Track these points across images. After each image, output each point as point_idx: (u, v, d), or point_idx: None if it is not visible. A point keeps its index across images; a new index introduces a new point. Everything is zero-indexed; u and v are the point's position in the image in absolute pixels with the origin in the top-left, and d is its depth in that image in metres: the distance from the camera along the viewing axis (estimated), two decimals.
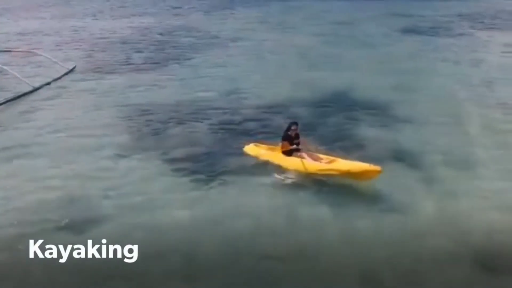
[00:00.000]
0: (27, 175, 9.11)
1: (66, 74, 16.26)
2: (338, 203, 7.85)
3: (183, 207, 7.98)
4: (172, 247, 6.84)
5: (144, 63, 17.97)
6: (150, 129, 11.50)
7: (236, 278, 6.34)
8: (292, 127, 9.17)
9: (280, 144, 9.26)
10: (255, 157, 9.50)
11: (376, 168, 7.85)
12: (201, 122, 11.95)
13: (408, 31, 23.15)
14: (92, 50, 20.20)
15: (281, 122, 11.68)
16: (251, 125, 11.72)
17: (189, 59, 18.58)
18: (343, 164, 8.31)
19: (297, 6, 31.71)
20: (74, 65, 17.12)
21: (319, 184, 8.48)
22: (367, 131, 11.03)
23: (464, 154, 9.70)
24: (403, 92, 13.87)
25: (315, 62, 17.71)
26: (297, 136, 9.23)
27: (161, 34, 23.63)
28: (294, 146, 9.10)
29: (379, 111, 12.37)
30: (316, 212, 7.67)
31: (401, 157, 9.50)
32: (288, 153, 9.15)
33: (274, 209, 7.85)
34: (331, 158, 8.67)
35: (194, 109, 12.84)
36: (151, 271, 6.39)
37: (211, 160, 9.68)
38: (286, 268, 6.50)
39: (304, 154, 8.97)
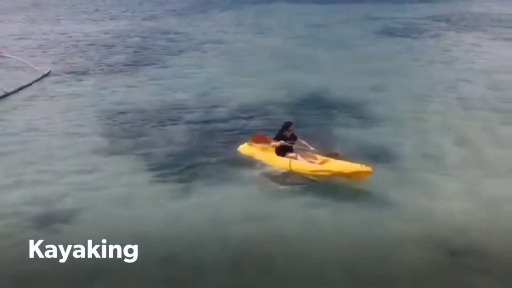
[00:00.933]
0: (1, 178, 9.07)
1: (41, 78, 16.04)
2: (323, 203, 8.01)
3: (162, 207, 8.03)
4: (153, 248, 6.86)
5: (120, 66, 17.89)
6: (128, 132, 11.48)
7: (225, 278, 6.41)
8: (289, 127, 9.16)
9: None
10: (249, 157, 9.46)
11: (367, 169, 7.91)
12: (178, 123, 11.99)
13: (382, 32, 23.62)
14: (68, 54, 19.96)
15: (257, 123, 11.94)
16: (228, 126, 11.80)
17: (165, 61, 18.59)
18: (335, 165, 8.35)
19: (272, 8, 31.97)
20: (49, 69, 16.90)
21: (307, 184, 8.58)
22: (342, 131, 11.24)
23: (434, 151, 10.01)
24: (376, 92, 14.21)
25: (291, 63, 17.90)
26: (292, 137, 9.18)
27: (136, 37, 23.53)
28: (282, 142, 8.94)
29: (353, 111, 12.63)
30: (299, 212, 7.81)
31: (375, 155, 9.64)
32: (282, 153, 9.08)
33: (254, 209, 7.94)
34: (324, 158, 8.67)
35: (170, 110, 12.86)
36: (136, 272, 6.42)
37: (188, 161, 9.72)
38: (270, 266, 6.62)
39: (297, 155, 8.93)
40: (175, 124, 11.97)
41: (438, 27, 24.86)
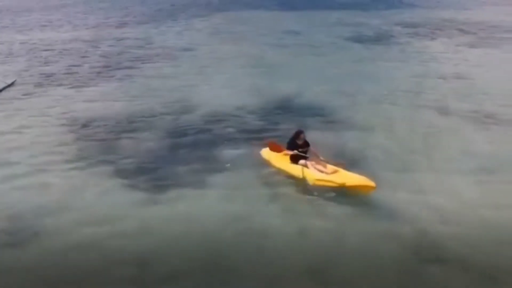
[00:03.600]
0: None
1: (4, 88, 15.50)
2: (297, 206, 8.15)
3: (133, 214, 7.95)
4: (127, 254, 6.91)
5: (87, 74, 17.52)
6: (96, 141, 11.20)
7: (197, 282, 6.41)
8: (300, 135, 9.15)
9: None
10: (267, 161, 9.62)
11: (370, 183, 7.82)
12: (148, 131, 11.79)
13: (351, 39, 23.92)
14: (34, 63, 19.50)
15: (229, 129, 11.84)
16: (201, 134, 11.65)
17: (134, 69, 18.31)
18: (341, 177, 8.29)
19: (245, 16, 32.03)
20: (14, 79, 16.36)
21: (280, 188, 8.74)
22: (315, 135, 11.17)
23: (402, 153, 10.16)
24: (346, 96, 14.32)
25: (262, 70, 17.89)
26: (305, 144, 9.18)
27: (104, 45, 23.15)
28: (296, 152, 9.00)
29: (324, 115, 12.69)
30: (270, 215, 7.87)
31: (343, 156, 9.66)
32: (295, 161, 9.11)
33: (227, 213, 7.94)
34: (335, 168, 8.64)
35: (140, 118, 12.64)
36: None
37: (159, 169, 9.64)
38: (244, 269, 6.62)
39: (308, 163, 8.91)
40: (145, 132, 11.75)
41: (405, 33, 25.34)
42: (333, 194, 8.30)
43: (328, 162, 8.84)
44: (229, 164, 9.78)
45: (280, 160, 9.36)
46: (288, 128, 11.68)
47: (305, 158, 9.03)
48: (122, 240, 7.27)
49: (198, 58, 20.26)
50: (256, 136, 11.23)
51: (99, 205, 8.29)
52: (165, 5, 37.54)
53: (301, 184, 8.83)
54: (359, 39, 23.86)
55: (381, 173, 8.81)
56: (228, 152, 10.41)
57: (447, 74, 17.02)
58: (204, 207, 8.22)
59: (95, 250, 7.05)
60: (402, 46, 22.42)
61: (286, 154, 9.21)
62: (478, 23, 27.88)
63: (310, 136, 10.96)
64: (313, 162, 8.89)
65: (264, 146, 9.87)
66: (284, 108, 13.48)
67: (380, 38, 24.09)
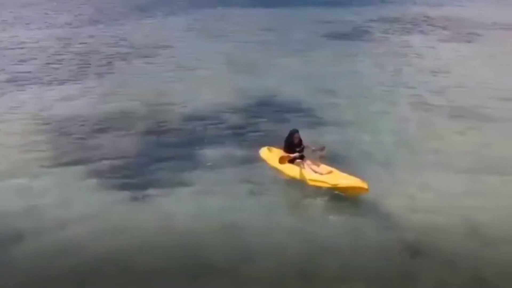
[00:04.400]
0: None
1: None
2: (279, 205, 8.13)
3: (111, 215, 7.82)
4: (103, 255, 6.77)
5: (63, 74, 16.97)
6: (72, 141, 10.93)
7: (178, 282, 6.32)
8: (295, 135, 9.05)
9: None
10: (264, 161, 9.53)
11: (363, 185, 7.76)
12: (126, 131, 11.54)
13: (331, 36, 23.97)
14: (5, 62, 18.79)
15: (209, 128, 11.66)
16: (179, 132, 11.49)
17: (111, 68, 17.86)
18: (334, 177, 8.24)
19: (220, 14, 31.78)
20: None
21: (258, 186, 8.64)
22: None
23: (382, 149, 10.22)
24: (326, 94, 14.31)
25: (242, 68, 17.74)
26: (300, 143, 9.09)
27: (79, 43, 22.48)
28: (296, 154, 8.96)
29: (305, 113, 12.63)
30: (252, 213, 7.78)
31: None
32: (290, 160, 9.05)
33: (206, 214, 7.85)
34: (329, 169, 8.58)
35: (118, 118, 12.34)
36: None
37: (138, 168, 9.50)
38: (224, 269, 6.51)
39: (303, 163, 8.85)
40: (122, 131, 11.51)
41: (382, 29, 25.59)
42: (323, 193, 8.25)
43: (325, 163, 8.76)
44: (210, 163, 9.65)
45: (276, 160, 9.26)
46: (267, 126, 11.69)
47: (301, 158, 8.96)
48: (99, 239, 7.14)
49: (174, 56, 19.92)
50: (236, 135, 11.15)
51: (76, 205, 8.13)
52: (138, 2, 36.90)
53: (291, 183, 8.77)
54: (336, 36, 23.94)
55: (363, 169, 8.82)
56: (208, 151, 10.28)
57: (424, 69, 17.26)
58: (184, 206, 8.12)
59: (72, 250, 6.90)
60: (380, 42, 22.61)
61: (285, 158, 9.06)
62: (454, 18, 28.41)
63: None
64: (308, 162, 8.83)
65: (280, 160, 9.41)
66: (263, 105, 13.37)
67: (357, 35, 24.25)
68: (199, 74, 17.08)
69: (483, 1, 35.86)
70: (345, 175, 8.25)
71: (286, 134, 9.21)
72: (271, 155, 9.47)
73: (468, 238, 7.16)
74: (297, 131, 9.17)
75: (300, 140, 9.16)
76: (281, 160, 9.03)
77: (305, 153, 9.09)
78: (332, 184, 8.07)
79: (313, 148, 9.01)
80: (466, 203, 8.04)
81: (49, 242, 7.09)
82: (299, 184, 8.69)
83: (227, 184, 8.83)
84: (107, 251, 6.86)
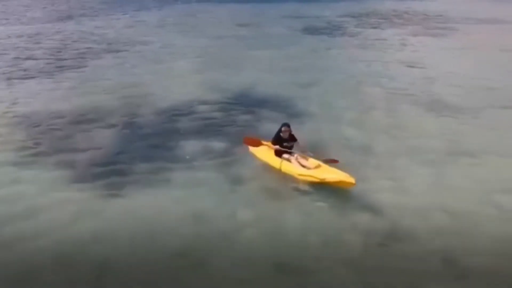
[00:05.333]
0: None
1: None
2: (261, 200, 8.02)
3: (90, 213, 7.65)
4: (83, 255, 6.64)
5: (36, 71, 16.55)
6: (47, 138, 10.65)
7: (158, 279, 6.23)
8: (283, 128, 8.94)
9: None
10: (252, 153, 9.48)
11: (350, 180, 7.78)
12: (101, 127, 11.32)
13: (306, 30, 24.18)
14: None
15: (186, 123, 11.57)
16: (156, 128, 11.35)
17: (85, 64, 17.54)
18: (322, 172, 8.24)
19: (195, 9, 31.67)
20: None
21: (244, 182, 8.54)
22: (273, 126, 11.15)
23: (361, 143, 10.25)
24: (303, 88, 14.38)
25: (218, 63, 17.69)
26: (291, 138, 9.01)
27: (52, 39, 22.04)
28: (277, 147, 8.87)
29: (281, 106, 12.68)
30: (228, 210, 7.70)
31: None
32: (278, 154, 8.97)
33: (185, 210, 7.73)
34: (318, 163, 8.57)
35: (93, 115, 12.10)
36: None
37: (115, 165, 9.27)
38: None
39: (291, 157, 8.78)
40: (98, 128, 11.27)
41: (358, 24, 25.96)
42: (309, 187, 8.28)
43: (318, 158, 8.70)
44: (187, 156, 9.60)
45: (264, 153, 9.27)
46: (245, 120, 11.70)
47: (289, 152, 8.90)
48: (76, 241, 6.97)
49: (150, 51, 19.72)
50: (213, 129, 11.11)
51: (52, 205, 7.89)
52: None
53: (273, 176, 8.75)
54: (312, 31, 24.14)
55: (343, 162, 8.81)
56: (184, 144, 10.21)
57: (397, 62, 17.57)
58: (158, 199, 8.04)
59: (49, 252, 6.73)
60: (353, 36, 22.89)
61: (269, 148, 9.09)
62: (425, 13, 29.04)
63: (266, 127, 11.08)
64: (296, 156, 8.79)
65: (242, 142, 9.60)
66: (240, 100, 13.35)
67: (332, 29, 24.49)
68: (174, 68, 16.96)
69: None
70: (332, 169, 8.30)
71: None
72: (260, 148, 9.41)
73: (444, 224, 7.31)
74: (287, 125, 9.03)
75: (291, 136, 9.03)
76: (245, 140, 9.12)
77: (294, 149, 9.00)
78: (319, 179, 8.10)
79: (326, 159, 8.74)
80: (440, 191, 8.25)
81: (23, 242, 6.92)
82: (282, 177, 8.69)
83: (204, 177, 8.77)
84: (84, 252, 6.71)
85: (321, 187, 8.15)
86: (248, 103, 13.12)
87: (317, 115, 11.94)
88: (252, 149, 9.58)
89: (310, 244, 6.89)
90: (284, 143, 8.96)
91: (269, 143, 9.16)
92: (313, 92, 13.98)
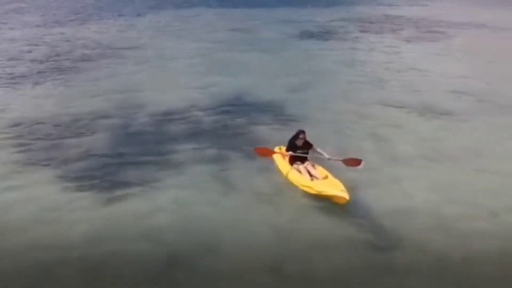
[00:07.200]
0: None
1: None
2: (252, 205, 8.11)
3: (84, 217, 7.73)
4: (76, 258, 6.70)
5: (30, 76, 16.49)
6: (41, 144, 10.71)
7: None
8: (300, 136, 8.86)
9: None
10: (275, 160, 9.44)
11: (343, 195, 7.73)
12: (96, 132, 11.41)
13: (298, 36, 24.29)
14: None
15: (180, 127, 11.68)
16: (150, 133, 11.43)
17: (78, 70, 17.51)
18: (321, 185, 8.21)
19: (186, 14, 31.60)
20: None
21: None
22: (266, 130, 11.38)
23: (351, 147, 10.32)
24: (295, 92, 14.54)
25: (212, 68, 17.76)
26: (306, 145, 8.91)
27: (46, 44, 21.93)
28: (290, 153, 8.83)
29: (275, 110, 12.81)
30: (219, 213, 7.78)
31: None
32: (291, 161, 8.97)
33: (181, 214, 7.84)
34: (326, 173, 8.57)
35: (87, 120, 12.17)
36: None
37: (109, 170, 9.38)
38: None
39: (301, 166, 8.76)
40: (92, 133, 11.36)
41: (352, 29, 26.07)
42: (305, 196, 8.35)
43: (338, 159, 8.58)
44: (181, 161, 9.72)
45: (279, 159, 9.31)
46: (239, 125, 11.80)
47: (302, 160, 8.85)
48: (69, 245, 7.03)
49: (143, 56, 19.74)
50: (206, 133, 11.22)
51: (44, 210, 7.94)
52: (102, 3, 36.26)
53: (272, 182, 8.84)
54: (304, 36, 24.26)
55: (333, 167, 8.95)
56: (179, 149, 10.32)
57: (391, 68, 17.74)
58: (156, 204, 8.11)
59: (42, 256, 6.79)
60: (345, 41, 23.05)
61: (284, 155, 9.11)
62: (416, 19, 29.29)
63: (262, 131, 11.20)
64: (307, 165, 8.76)
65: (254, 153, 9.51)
66: (234, 104, 13.46)
67: (324, 34, 24.62)
68: (166, 73, 17.04)
69: (443, 2, 37.15)
70: (335, 182, 8.23)
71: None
72: (278, 156, 9.44)
73: (433, 229, 7.45)
74: (302, 132, 8.91)
75: (306, 142, 8.89)
76: (257, 151, 9.15)
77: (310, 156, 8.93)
78: (316, 191, 8.17)
79: (347, 159, 8.56)
80: (427, 194, 8.43)
81: (15, 248, 6.97)
82: (277, 183, 8.76)
83: (197, 181, 8.85)
84: (77, 257, 6.76)
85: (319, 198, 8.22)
86: (241, 107, 13.23)
87: (308, 119, 12.01)
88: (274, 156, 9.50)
89: (300, 248, 6.99)
90: (298, 150, 8.88)
91: (282, 151, 9.20)
92: (304, 97, 14.12)
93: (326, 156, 8.72)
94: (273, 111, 12.81)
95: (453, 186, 8.74)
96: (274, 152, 9.31)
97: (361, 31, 25.44)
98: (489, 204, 8.14)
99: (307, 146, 8.94)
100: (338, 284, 6.37)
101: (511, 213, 7.89)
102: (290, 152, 8.88)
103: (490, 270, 6.59)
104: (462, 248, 7.00)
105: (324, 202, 8.05)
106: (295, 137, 8.94)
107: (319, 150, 8.88)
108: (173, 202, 8.16)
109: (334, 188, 7.96)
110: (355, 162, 8.49)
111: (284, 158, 9.23)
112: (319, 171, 8.67)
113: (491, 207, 8.05)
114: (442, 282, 6.37)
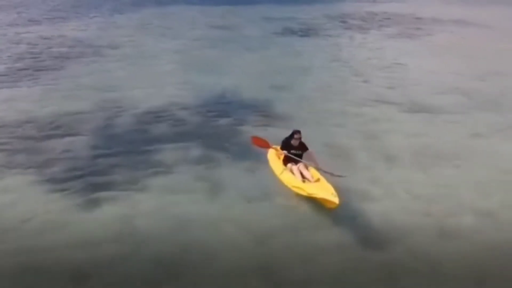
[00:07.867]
0: None
1: None
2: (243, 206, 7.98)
3: (68, 221, 7.53)
4: (55, 270, 6.49)
5: (9, 76, 15.89)
6: (22, 145, 10.40)
7: None
8: (295, 136, 8.73)
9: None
10: (268, 157, 9.40)
11: (333, 200, 7.56)
12: (78, 133, 11.10)
13: (281, 33, 24.22)
14: None
15: (164, 127, 11.45)
16: (134, 132, 11.18)
17: (59, 68, 17.05)
18: (313, 187, 8.08)
19: (173, 12, 31.27)
20: None
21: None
22: (251, 129, 11.17)
23: (340, 146, 10.35)
24: (280, 90, 14.40)
25: (195, 66, 17.52)
26: (301, 146, 8.78)
27: (23, 44, 21.22)
28: (285, 152, 8.68)
29: (259, 109, 12.68)
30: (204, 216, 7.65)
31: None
32: (285, 161, 8.81)
33: (165, 217, 7.67)
34: (319, 176, 8.42)
35: (71, 121, 11.83)
36: None
37: (94, 171, 9.15)
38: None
39: (294, 167, 8.62)
40: (75, 134, 11.04)
41: (334, 26, 26.19)
42: (294, 198, 8.26)
43: (325, 171, 8.44)
44: (165, 161, 9.53)
45: (272, 158, 9.22)
46: (223, 124, 11.63)
47: (295, 161, 8.70)
48: (50, 248, 6.87)
49: (125, 55, 19.36)
50: (191, 133, 11.02)
51: (26, 214, 7.69)
52: (81, 1, 35.60)
53: (259, 182, 8.71)
54: (288, 33, 24.21)
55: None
56: (164, 150, 10.09)
57: (375, 65, 17.79)
58: (140, 206, 7.95)
59: (24, 260, 6.61)
60: (328, 38, 23.11)
61: (277, 154, 9.02)
62: (399, 15, 29.55)
63: (246, 130, 11.04)
64: (300, 166, 8.60)
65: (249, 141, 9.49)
66: (218, 103, 13.29)
67: (307, 32, 24.62)
68: (149, 71, 16.72)
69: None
70: (327, 185, 8.12)
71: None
72: (272, 152, 9.37)
73: (423, 228, 7.40)
74: (297, 132, 8.80)
75: (301, 144, 8.78)
76: (253, 140, 9.11)
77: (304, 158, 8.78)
78: (307, 193, 8.08)
79: (331, 173, 8.44)
80: (416, 193, 8.39)
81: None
82: (271, 185, 8.62)
83: (183, 182, 8.70)
84: (63, 262, 6.58)
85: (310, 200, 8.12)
86: (225, 105, 13.09)
87: (294, 118, 11.90)
88: (269, 153, 9.45)
89: (289, 250, 6.90)
90: (292, 150, 8.75)
91: (278, 148, 9.07)
92: (289, 95, 14.01)
93: (314, 164, 8.60)
94: (258, 109, 12.68)
95: (442, 184, 8.71)
96: (271, 147, 9.22)
97: (345, 28, 25.49)
98: (479, 201, 8.13)
99: (302, 147, 8.82)
100: (327, 287, 6.28)
101: (503, 210, 7.89)
102: (285, 152, 8.76)
103: (482, 269, 6.55)
104: (453, 247, 6.95)
105: (315, 204, 7.94)
106: (291, 136, 8.83)
107: (313, 155, 8.74)
108: (158, 203, 8.00)
109: (325, 191, 7.85)
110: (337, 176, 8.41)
111: (279, 158, 9.10)
112: (311, 173, 8.55)
113: (482, 204, 8.04)
114: (434, 282, 6.31)
